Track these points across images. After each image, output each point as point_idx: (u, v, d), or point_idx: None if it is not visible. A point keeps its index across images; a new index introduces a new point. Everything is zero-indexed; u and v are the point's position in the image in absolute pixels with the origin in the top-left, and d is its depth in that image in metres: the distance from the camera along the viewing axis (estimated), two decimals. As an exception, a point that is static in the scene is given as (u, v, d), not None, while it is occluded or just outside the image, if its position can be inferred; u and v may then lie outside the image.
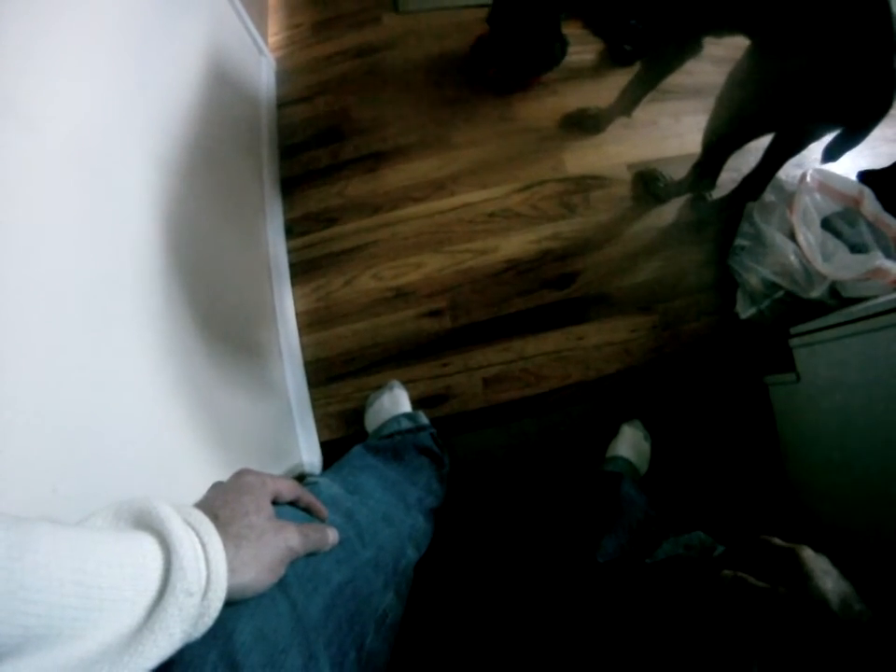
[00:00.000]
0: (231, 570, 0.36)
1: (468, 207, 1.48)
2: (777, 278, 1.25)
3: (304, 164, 1.55)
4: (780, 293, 1.27)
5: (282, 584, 0.42)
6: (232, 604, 0.37)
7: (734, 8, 1.03)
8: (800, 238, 1.21)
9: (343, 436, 1.28)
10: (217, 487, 0.44)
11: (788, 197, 1.30)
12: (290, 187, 1.53)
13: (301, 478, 1.02)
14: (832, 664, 0.36)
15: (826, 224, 1.28)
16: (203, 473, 0.73)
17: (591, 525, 0.90)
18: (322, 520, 0.53)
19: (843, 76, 0.93)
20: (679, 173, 1.44)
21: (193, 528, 0.35)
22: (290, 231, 1.47)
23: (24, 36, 0.57)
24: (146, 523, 0.34)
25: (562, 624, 0.78)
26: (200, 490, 0.44)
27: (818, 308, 1.20)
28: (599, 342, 1.36)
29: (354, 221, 1.48)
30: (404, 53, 1.69)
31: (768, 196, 1.34)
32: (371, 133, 1.58)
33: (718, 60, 1.26)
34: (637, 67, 1.39)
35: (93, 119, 0.68)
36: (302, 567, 0.46)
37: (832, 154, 1.06)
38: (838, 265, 1.17)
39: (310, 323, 1.38)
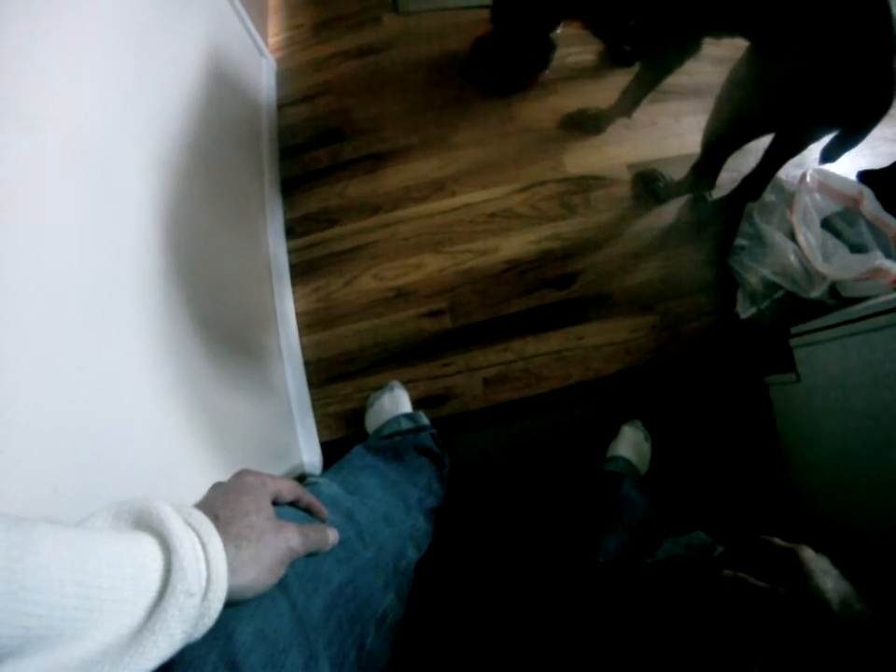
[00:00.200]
0: (232, 571, 0.36)
1: (468, 208, 1.48)
2: (777, 278, 1.25)
3: (305, 165, 1.56)
4: (780, 293, 1.26)
5: (282, 585, 0.42)
6: (233, 604, 0.37)
7: (732, 10, 1.03)
8: (800, 238, 1.21)
9: (344, 436, 1.28)
10: (217, 488, 0.44)
11: (788, 197, 1.30)
12: (291, 187, 1.53)
13: (301, 478, 1.02)
14: (832, 664, 0.36)
15: (826, 224, 1.28)
16: (203, 474, 0.73)
17: (591, 525, 0.90)
18: (322, 520, 0.53)
19: (842, 77, 0.93)
20: (679, 173, 1.44)
21: (193, 529, 0.35)
22: (291, 232, 1.47)
23: (24, 36, 0.57)
24: (146, 523, 0.34)
25: (562, 624, 0.78)
26: (200, 490, 0.44)
27: (818, 308, 1.20)
28: (599, 342, 1.36)
29: (354, 222, 1.48)
30: (404, 54, 1.69)
31: (768, 196, 1.34)
32: (371, 133, 1.58)
33: (717, 60, 1.26)
34: (636, 68, 1.40)
35: (93, 119, 0.68)
36: (303, 567, 0.46)
37: (830, 155, 1.06)
38: (838, 265, 1.17)
39: (310, 323, 1.38)
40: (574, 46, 1.67)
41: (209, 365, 0.87)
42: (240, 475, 0.45)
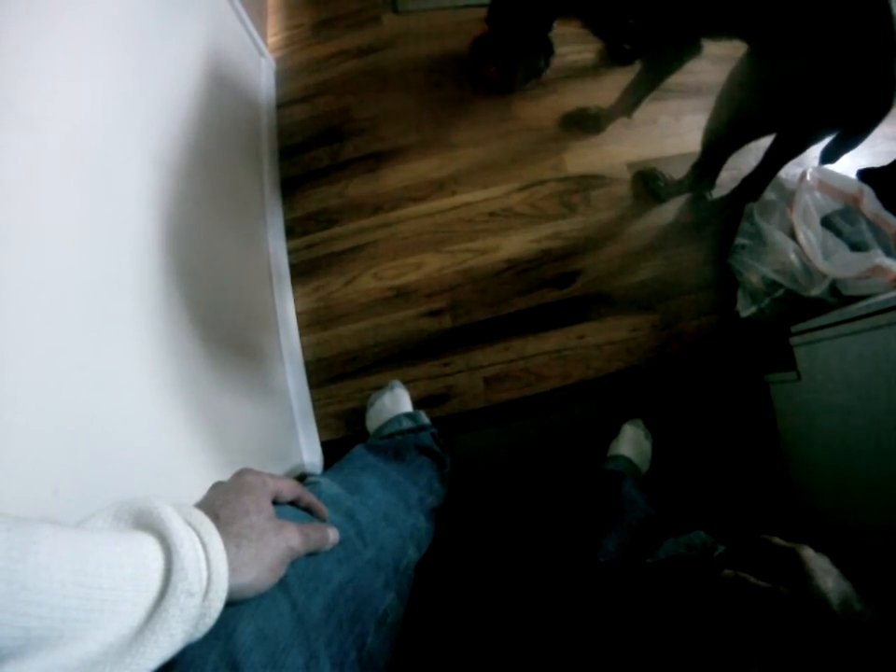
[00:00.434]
0: (232, 570, 0.36)
1: (468, 207, 1.48)
2: (777, 277, 1.25)
3: (304, 165, 1.56)
4: (781, 291, 1.26)
5: (283, 584, 0.42)
6: (233, 604, 0.37)
7: (730, 13, 1.03)
8: (800, 236, 1.21)
9: (344, 436, 1.28)
10: (217, 487, 0.44)
11: (788, 195, 1.30)
12: (290, 187, 1.53)
13: (301, 478, 1.03)
14: (832, 663, 0.36)
15: (826, 222, 1.28)
16: (203, 473, 0.73)
17: (592, 525, 0.90)
18: (323, 520, 0.53)
19: (842, 78, 0.93)
20: (679, 172, 1.44)
21: (194, 528, 0.35)
22: (290, 232, 1.47)
23: (24, 36, 0.57)
24: (146, 523, 0.34)
25: (563, 624, 0.78)
26: (200, 490, 0.44)
27: (818, 306, 1.20)
28: (600, 341, 1.36)
29: (354, 221, 1.48)
30: (404, 53, 1.69)
31: (768, 195, 1.34)
32: (370, 133, 1.58)
33: (718, 59, 1.26)
34: (636, 67, 1.39)
35: (93, 119, 0.68)
36: (303, 566, 0.46)
37: (830, 156, 1.06)
38: (838, 263, 1.17)
39: (310, 323, 1.38)
40: (574, 45, 1.67)
41: (209, 365, 0.87)
42: (240, 475, 0.45)
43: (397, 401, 1.21)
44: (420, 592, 0.69)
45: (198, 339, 0.84)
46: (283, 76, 1.69)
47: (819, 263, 1.18)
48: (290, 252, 1.45)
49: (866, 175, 1.41)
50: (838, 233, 1.27)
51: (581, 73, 1.65)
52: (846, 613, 0.38)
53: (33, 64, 0.57)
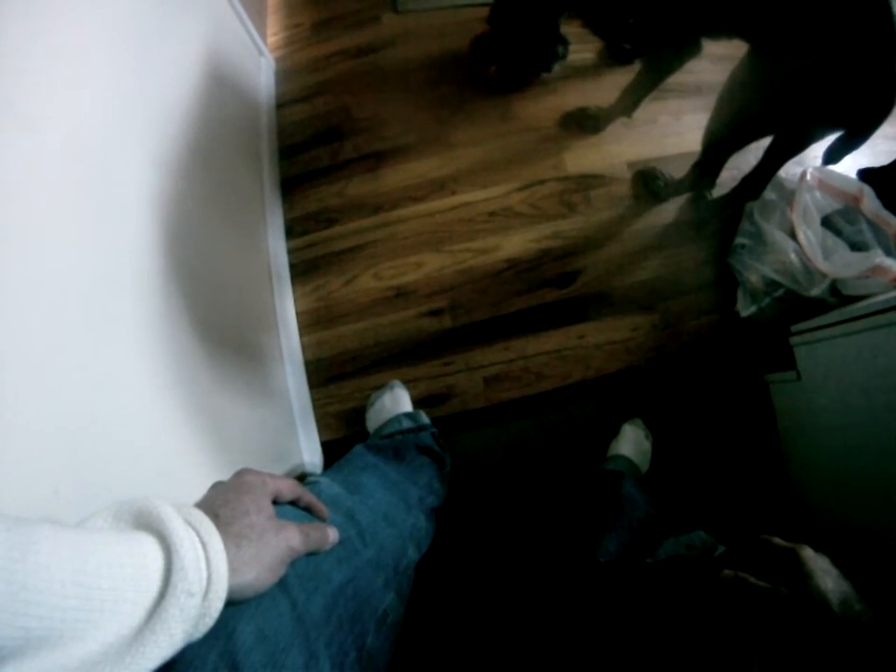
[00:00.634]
0: (232, 570, 0.36)
1: (468, 206, 1.48)
2: (777, 276, 1.25)
3: (304, 164, 1.55)
4: (781, 291, 1.26)
5: (283, 584, 0.42)
6: (233, 604, 0.37)
7: (730, 13, 1.03)
8: (800, 236, 1.21)
9: (344, 436, 1.28)
10: (217, 487, 0.44)
11: (788, 195, 1.30)
12: (290, 187, 1.53)
13: (301, 478, 1.03)
14: (832, 663, 0.36)
15: (826, 222, 1.28)
16: (203, 473, 0.73)
17: (592, 524, 0.90)
18: (323, 519, 0.53)
19: (844, 79, 0.93)
20: (680, 171, 1.44)
21: (194, 528, 0.35)
22: (290, 231, 1.47)
23: (24, 36, 0.57)
24: (146, 523, 0.34)
25: (563, 624, 0.79)
26: (200, 490, 0.44)
27: (818, 306, 1.20)
28: (600, 341, 1.36)
29: (354, 221, 1.48)
30: (404, 53, 1.69)
31: (768, 194, 1.34)
32: (370, 132, 1.58)
33: (718, 58, 1.26)
34: (636, 66, 1.39)
35: (93, 119, 0.68)
36: (303, 566, 0.46)
37: (833, 157, 1.06)
38: (838, 263, 1.17)
39: (310, 323, 1.38)
40: (574, 44, 1.66)
41: (209, 365, 0.87)
42: (240, 474, 0.45)
43: (397, 401, 1.21)
44: (420, 592, 0.69)
45: (198, 339, 0.84)
46: (283, 75, 1.69)
47: (819, 263, 1.18)
48: (290, 252, 1.45)
49: (866, 174, 1.41)
50: (838, 233, 1.27)
51: (580, 72, 1.65)
52: (846, 613, 0.38)
53: (33, 64, 0.57)
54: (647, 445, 1.22)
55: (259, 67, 1.61)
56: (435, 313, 1.38)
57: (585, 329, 1.37)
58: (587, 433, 1.27)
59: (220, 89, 1.23)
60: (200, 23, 1.19)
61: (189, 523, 0.35)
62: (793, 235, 1.23)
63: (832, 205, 1.30)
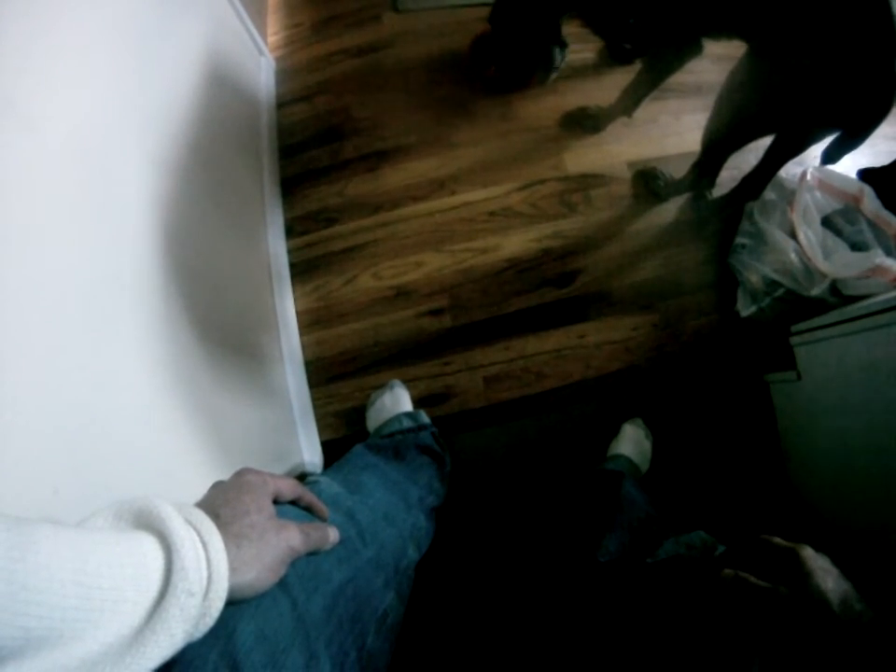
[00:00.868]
0: (233, 570, 0.36)
1: (468, 206, 1.48)
2: (777, 276, 1.25)
3: (304, 164, 1.55)
4: (781, 291, 1.26)
5: (283, 584, 0.42)
6: (233, 603, 0.37)
7: (730, 13, 1.03)
8: (800, 236, 1.21)
9: (344, 435, 1.28)
10: (217, 486, 0.44)
11: (788, 195, 1.30)
12: (290, 186, 1.53)
13: (302, 477, 1.03)
14: (832, 663, 0.36)
15: (826, 222, 1.28)
16: (203, 473, 0.73)
17: (592, 524, 0.90)
18: (323, 519, 0.53)
19: (843, 79, 0.92)
20: (680, 171, 1.44)
21: (194, 528, 0.35)
22: (290, 231, 1.47)
23: (24, 36, 0.57)
24: (146, 522, 0.34)
25: (563, 624, 0.79)
26: (200, 490, 0.44)
27: (818, 306, 1.20)
28: (600, 340, 1.36)
29: (354, 220, 1.48)
30: (404, 52, 1.69)
31: (768, 194, 1.34)
32: (370, 132, 1.58)
33: (718, 58, 1.26)
34: (636, 66, 1.39)
35: (93, 118, 0.68)
36: (303, 566, 0.46)
37: (831, 156, 1.06)
38: (839, 263, 1.17)
39: (310, 322, 1.38)
40: (574, 44, 1.66)
41: (209, 365, 0.87)
42: (241, 474, 0.45)
43: (397, 401, 1.21)
44: (420, 592, 0.69)
45: (197, 338, 0.84)
46: (283, 75, 1.69)
47: (820, 263, 1.18)
48: (290, 251, 1.45)
49: (866, 174, 1.41)
50: (838, 233, 1.27)
51: (581, 72, 1.65)
52: (846, 613, 0.38)
53: (33, 64, 0.57)
54: (647, 445, 1.22)
55: (260, 67, 1.61)
56: (435, 312, 1.38)
57: (585, 329, 1.37)
58: (587, 433, 1.27)
59: (220, 88, 1.23)
60: (200, 23, 1.19)
61: (189, 522, 0.35)
62: (793, 235, 1.23)
63: (832, 205, 1.30)
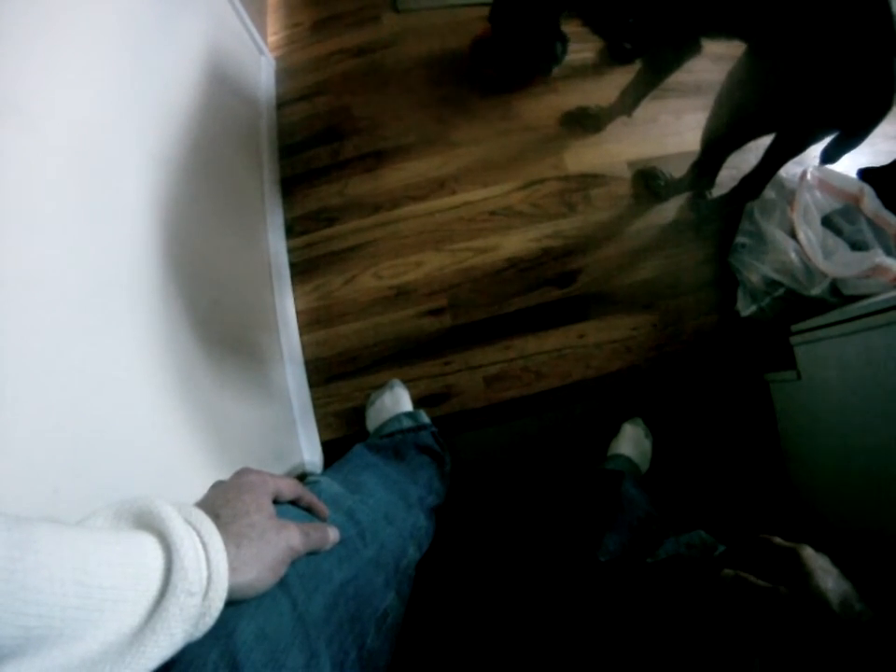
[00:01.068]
0: (233, 570, 0.36)
1: (468, 206, 1.47)
2: (777, 276, 1.25)
3: (304, 163, 1.55)
4: (781, 291, 1.26)
5: (283, 583, 0.42)
6: (233, 603, 0.37)
7: (728, 12, 1.02)
8: (800, 236, 1.21)
9: (344, 435, 1.28)
10: (218, 486, 0.44)
11: (788, 195, 1.30)
12: (290, 186, 1.53)
13: (302, 477, 1.02)
14: (832, 663, 0.36)
15: (826, 222, 1.28)
16: (203, 473, 0.73)
17: (592, 524, 0.90)
18: (323, 519, 0.53)
19: (842, 78, 0.92)
20: (680, 170, 1.44)
21: (194, 528, 0.35)
22: (290, 231, 1.47)
23: (24, 36, 0.57)
24: (146, 522, 0.34)
25: (563, 623, 0.79)
26: (201, 490, 0.44)
27: (818, 306, 1.20)
28: (600, 340, 1.36)
29: (354, 220, 1.47)
30: (404, 52, 1.69)
31: (768, 194, 1.34)
32: (370, 131, 1.57)
33: (718, 57, 1.26)
34: (636, 65, 1.39)
35: (93, 118, 0.68)
36: (304, 566, 0.46)
37: (830, 156, 1.06)
38: (839, 263, 1.17)
39: (310, 322, 1.38)
40: (574, 43, 1.66)
41: (208, 364, 0.87)
42: (241, 474, 0.46)
43: (397, 400, 1.21)
44: (420, 591, 0.69)
45: (197, 338, 0.84)
46: (283, 74, 1.69)
47: (820, 262, 1.18)
48: (290, 251, 1.45)
49: (866, 174, 1.41)
50: (838, 233, 1.27)
51: (581, 72, 1.65)
52: (846, 613, 0.38)
53: (33, 64, 0.57)
54: (647, 444, 1.22)
55: (260, 66, 1.61)
56: (435, 312, 1.38)
57: (585, 329, 1.37)
58: (587, 432, 1.27)
59: (220, 88, 1.23)
60: (200, 23, 1.19)
61: (189, 522, 0.35)
62: (793, 235, 1.23)
63: (832, 205, 1.30)
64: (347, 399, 1.31)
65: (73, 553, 0.28)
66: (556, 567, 1.04)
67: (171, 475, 0.67)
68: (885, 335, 0.93)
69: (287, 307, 1.36)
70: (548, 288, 1.40)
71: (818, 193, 1.28)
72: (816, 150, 1.10)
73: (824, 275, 1.18)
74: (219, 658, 0.35)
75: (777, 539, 0.46)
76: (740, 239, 1.37)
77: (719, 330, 1.37)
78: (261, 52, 1.62)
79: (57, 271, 0.53)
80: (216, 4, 1.31)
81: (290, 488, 0.49)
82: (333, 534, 0.49)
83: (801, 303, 1.24)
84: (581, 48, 1.67)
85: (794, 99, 1.00)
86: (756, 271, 1.29)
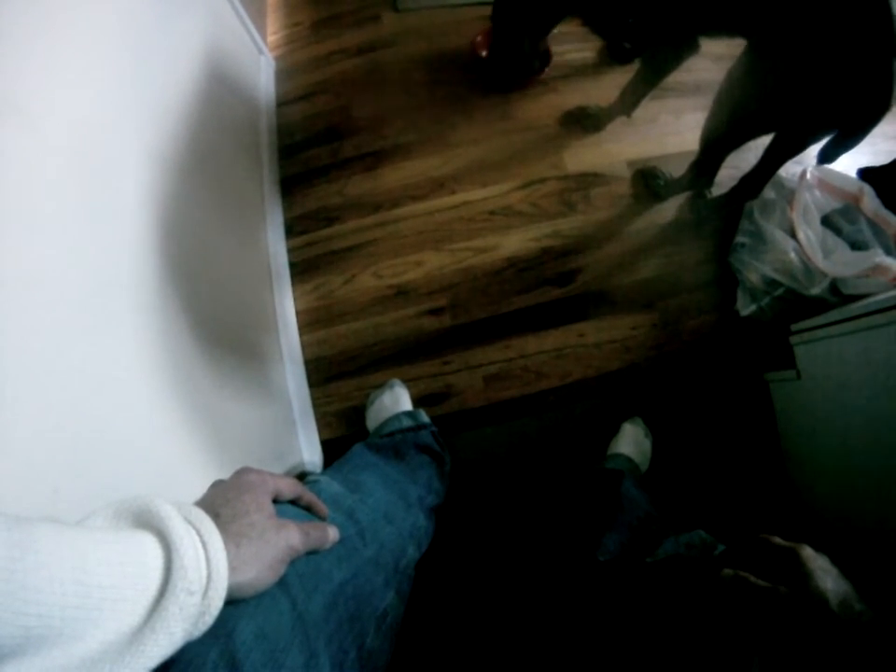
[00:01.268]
0: (232, 569, 0.36)
1: (468, 205, 1.47)
2: (777, 275, 1.25)
3: (304, 163, 1.55)
4: (781, 290, 1.26)
5: (282, 583, 0.42)
6: (233, 603, 0.37)
7: (727, 11, 1.02)
8: (800, 235, 1.21)
9: (344, 434, 1.28)
10: (217, 485, 0.44)
11: (788, 194, 1.30)
12: (290, 186, 1.53)
13: (301, 476, 1.03)
14: (831, 663, 0.36)
15: (826, 221, 1.28)
16: (203, 473, 0.73)
17: (592, 523, 0.90)
18: (323, 518, 0.53)
19: (841, 78, 0.92)
20: (680, 170, 1.44)
21: (194, 527, 0.35)
22: (290, 230, 1.47)
23: (24, 35, 0.56)
24: (146, 521, 0.34)
25: (563, 623, 0.79)
26: (200, 489, 0.44)
27: (818, 305, 1.20)
28: (600, 339, 1.36)
29: (354, 220, 1.47)
30: (404, 51, 1.69)
31: (768, 193, 1.34)
32: (370, 131, 1.57)
33: (717, 57, 1.26)
34: (636, 65, 1.39)
35: (92, 117, 0.68)
36: (303, 565, 0.46)
37: (828, 156, 1.06)
38: (838, 262, 1.17)
39: (310, 322, 1.38)
40: (574, 43, 1.67)
41: (208, 364, 0.87)
42: (241, 473, 0.45)
43: (396, 400, 1.21)
44: (420, 591, 0.69)
45: (197, 338, 0.84)
46: (282, 74, 1.69)
47: (819, 262, 1.18)
48: (290, 251, 1.45)
49: (866, 173, 1.41)
50: (838, 232, 1.27)
51: (580, 71, 1.65)
52: (845, 613, 0.38)
53: (33, 64, 0.57)
54: (647, 444, 1.22)
55: (259, 66, 1.61)
56: (435, 311, 1.38)
57: (585, 328, 1.37)
58: (587, 432, 1.27)
59: (220, 88, 1.23)
60: (199, 22, 1.19)
61: (189, 521, 0.35)
62: (793, 234, 1.23)
63: (831, 204, 1.30)
64: (347, 399, 1.31)
65: (72, 553, 0.28)
66: (556, 567, 1.04)
67: (171, 475, 0.67)
68: (885, 335, 0.93)
69: (286, 307, 1.36)
70: (547, 288, 1.40)
71: (817, 193, 1.28)
72: (815, 150, 1.10)
73: (824, 275, 1.19)
74: (219, 657, 0.35)
75: (777, 539, 0.46)
76: (740, 238, 1.37)
77: (718, 330, 1.37)
78: (261, 52, 1.62)
79: (57, 271, 0.53)
80: (215, 3, 1.31)
81: (290, 487, 0.49)
82: (333, 533, 0.49)
83: (800, 303, 1.24)
84: (581, 47, 1.67)
85: (794, 99, 1.00)
86: (756, 270, 1.29)
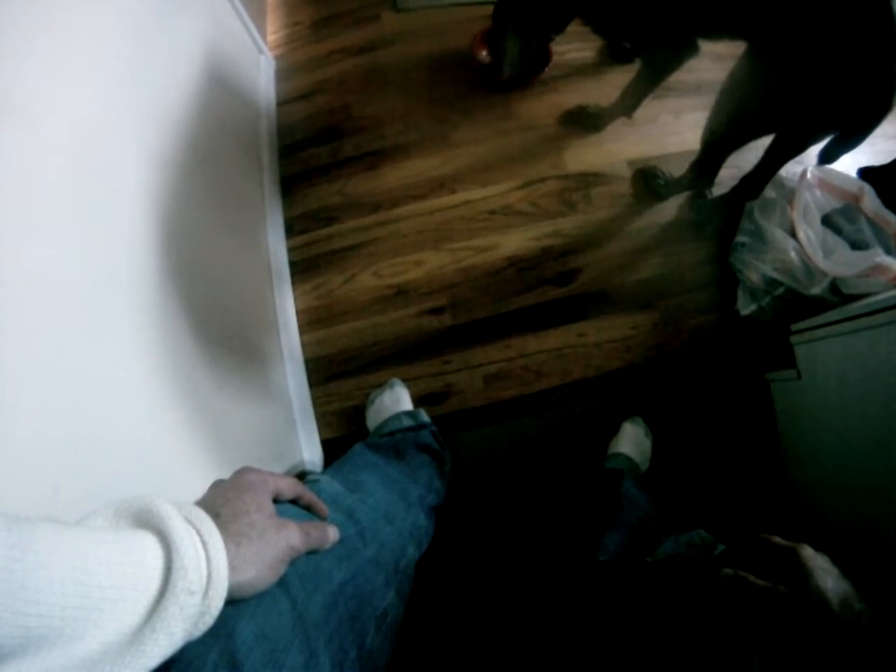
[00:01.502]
0: (232, 569, 0.36)
1: (468, 205, 1.47)
2: (777, 275, 1.25)
3: (304, 163, 1.55)
4: (781, 290, 1.26)
5: (283, 583, 0.42)
6: (233, 602, 0.37)
7: (726, 14, 1.02)
8: (800, 235, 1.21)
9: (344, 434, 1.28)
10: (218, 485, 0.44)
11: (788, 194, 1.30)
12: (290, 185, 1.53)
13: (301, 476, 1.03)
14: (831, 663, 0.36)
15: (826, 221, 1.28)
16: (203, 472, 0.73)
17: (592, 523, 0.90)
18: (323, 518, 0.53)
19: (842, 78, 0.92)
20: (680, 170, 1.44)
21: (194, 527, 0.35)
22: (290, 230, 1.47)
23: (24, 36, 0.56)
24: (146, 521, 0.34)
25: (563, 623, 0.79)
26: (200, 489, 0.44)
27: (818, 305, 1.20)
28: (600, 339, 1.36)
29: (354, 219, 1.47)
30: (404, 51, 1.68)
31: (768, 193, 1.34)
32: (370, 130, 1.57)
33: (718, 57, 1.26)
34: (636, 65, 1.39)
35: (92, 117, 0.68)
36: (303, 565, 0.46)
37: (829, 156, 1.06)
38: (838, 262, 1.17)
39: (310, 321, 1.38)
40: (574, 43, 1.66)
41: (208, 364, 0.87)
42: (241, 473, 0.45)
43: (396, 399, 1.21)
44: (420, 590, 0.69)
45: (197, 337, 0.84)
46: (282, 73, 1.69)
47: (820, 262, 1.18)
48: (290, 250, 1.45)
49: (867, 173, 1.41)
50: (838, 232, 1.27)
51: (581, 71, 1.65)
52: (845, 613, 0.38)
53: (33, 64, 0.57)
54: (647, 444, 1.22)
55: (259, 65, 1.61)
56: (435, 311, 1.38)
57: (585, 328, 1.37)
58: (587, 431, 1.27)
59: (220, 87, 1.23)
60: (199, 22, 1.19)
61: (189, 521, 0.35)
62: (794, 234, 1.23)
63: (832, 204, 1.30)
64: (347, 398, 1.31)
65: (72, 553, 0.28)
66: (556, 567, 1.04)
67: (171, 475, 0.67)
68: (885, 334, 0.93)
69: (286, 306, 1.36)
70: (548, 287, 1.40)
71: (818, 192, 1.28)
72: (816, 150, 1.10)
73: (824, 274, 1.18)
74: (219, 657, 0.35)
75: (777, 539, 0.46)
76: (740, 238, 1.37)
77: (719, 329, 1.37)
78: (261, 51, 1.62)
79: (57, 271, 0.53)
80: (215, 3, 1.31)
81: (290, 487, 0.49)
82: (333, 533, 0.49)
83: (801, 302, 1.24)
84: (582, 47, 1.67)
85: (795, 100, 1.00)
86: (756, 270, 1.29)
